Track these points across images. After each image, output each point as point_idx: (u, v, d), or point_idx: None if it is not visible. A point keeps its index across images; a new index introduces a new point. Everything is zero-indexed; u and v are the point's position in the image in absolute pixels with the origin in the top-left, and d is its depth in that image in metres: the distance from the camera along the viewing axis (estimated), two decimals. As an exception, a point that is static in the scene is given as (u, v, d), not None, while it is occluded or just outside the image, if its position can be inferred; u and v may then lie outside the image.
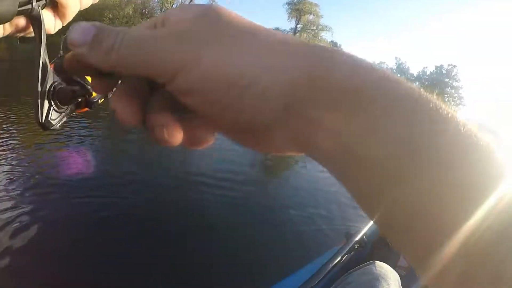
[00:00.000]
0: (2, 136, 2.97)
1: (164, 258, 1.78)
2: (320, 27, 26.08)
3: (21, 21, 0.23)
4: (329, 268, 1.02)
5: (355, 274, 0.77)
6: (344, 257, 1.14)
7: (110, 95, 0.20)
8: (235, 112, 0.13)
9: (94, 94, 0.22)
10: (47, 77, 0.20)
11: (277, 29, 11.87)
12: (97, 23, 0.14)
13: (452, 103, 30.61)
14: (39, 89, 0.20)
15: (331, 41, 31.00)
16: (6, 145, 2.77)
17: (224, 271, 1.76)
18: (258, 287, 1.27)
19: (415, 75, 34.63)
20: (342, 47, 32.25)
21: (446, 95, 31.82)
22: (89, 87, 0.21)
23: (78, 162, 2.71)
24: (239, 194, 2.87)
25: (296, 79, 0.13)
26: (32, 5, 0.21)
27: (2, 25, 0.23)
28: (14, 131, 3.21)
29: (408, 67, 36.36)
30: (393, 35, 66.95)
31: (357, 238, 1.26)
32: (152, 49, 0.13)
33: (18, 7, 0.20)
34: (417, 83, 27.51)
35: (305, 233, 2.46)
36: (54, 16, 0.25)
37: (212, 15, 0.14)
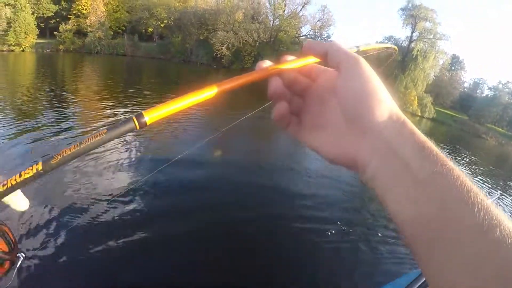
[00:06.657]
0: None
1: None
2: (437, 35, 22.74)
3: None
4: None
5: None
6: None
7: None
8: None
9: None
10: None
11: (391, 37, 24.26)
12: None
13: None
14: None
15: (453, 54, 27.27)
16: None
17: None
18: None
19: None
20: (465, 60, 24.22)
21: None
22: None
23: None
24: (334, 211, 3.26)
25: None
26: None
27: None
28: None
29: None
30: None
31: None
32: None
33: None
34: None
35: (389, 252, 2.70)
36: None
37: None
